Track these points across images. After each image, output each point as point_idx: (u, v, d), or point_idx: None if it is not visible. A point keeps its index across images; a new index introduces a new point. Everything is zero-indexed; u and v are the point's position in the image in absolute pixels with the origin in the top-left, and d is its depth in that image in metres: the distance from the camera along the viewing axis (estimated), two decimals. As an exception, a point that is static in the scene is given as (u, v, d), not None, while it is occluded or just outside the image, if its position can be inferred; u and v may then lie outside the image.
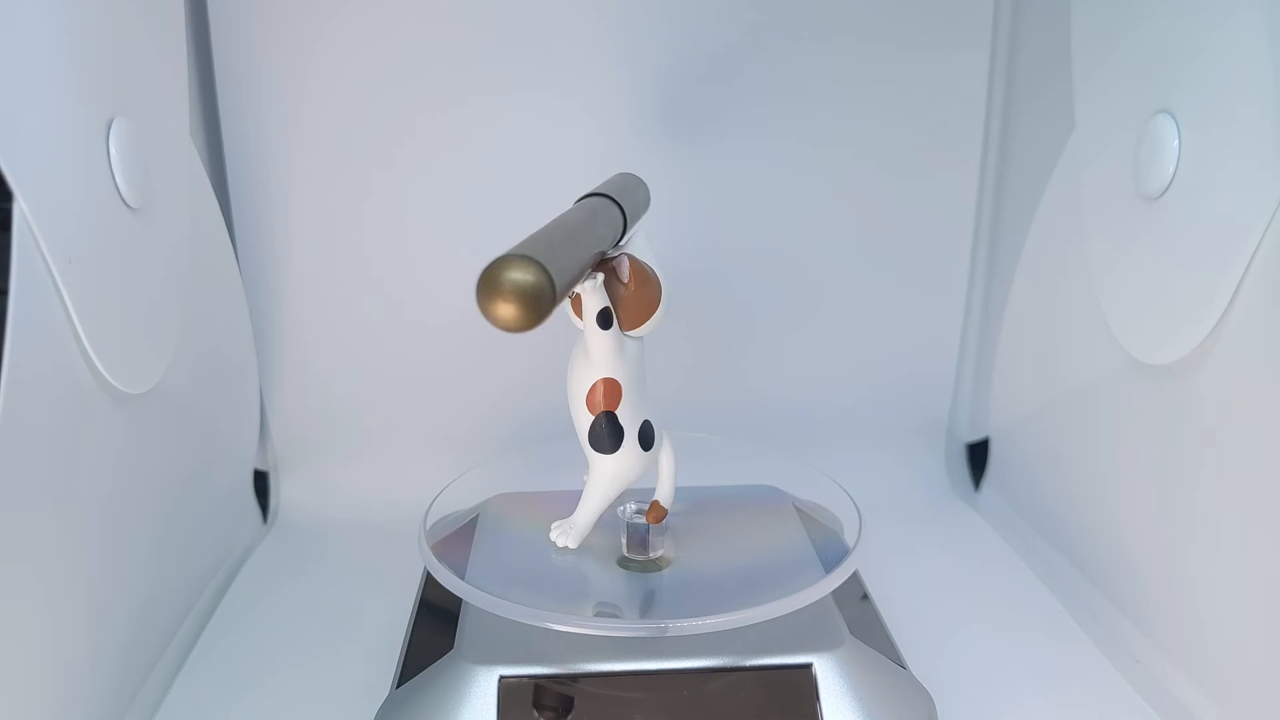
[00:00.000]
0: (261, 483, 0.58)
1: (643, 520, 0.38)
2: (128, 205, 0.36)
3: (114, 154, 0.35)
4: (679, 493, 0.39)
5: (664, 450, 0.38)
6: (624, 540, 0.39)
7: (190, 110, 0.45)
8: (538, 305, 0.25)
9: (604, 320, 0.34)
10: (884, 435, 0.61)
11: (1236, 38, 0.34)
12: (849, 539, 0.40)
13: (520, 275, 0.25)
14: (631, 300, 0.34)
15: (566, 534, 0.38)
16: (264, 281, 0.56)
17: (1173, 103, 0.38)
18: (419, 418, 0.59)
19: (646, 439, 0.37)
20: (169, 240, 0.41)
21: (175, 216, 0.42)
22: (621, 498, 0.39)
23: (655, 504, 0.38)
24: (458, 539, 0.41)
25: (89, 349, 0.33)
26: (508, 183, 0.55)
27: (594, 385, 0.35)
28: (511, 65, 0.54)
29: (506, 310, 0.25)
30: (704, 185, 0.56)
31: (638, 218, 0.38)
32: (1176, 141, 0.37)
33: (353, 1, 0.52)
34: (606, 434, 0.36)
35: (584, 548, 0.39)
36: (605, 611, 0.36)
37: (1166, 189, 0.38)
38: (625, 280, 0.34)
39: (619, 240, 0.35)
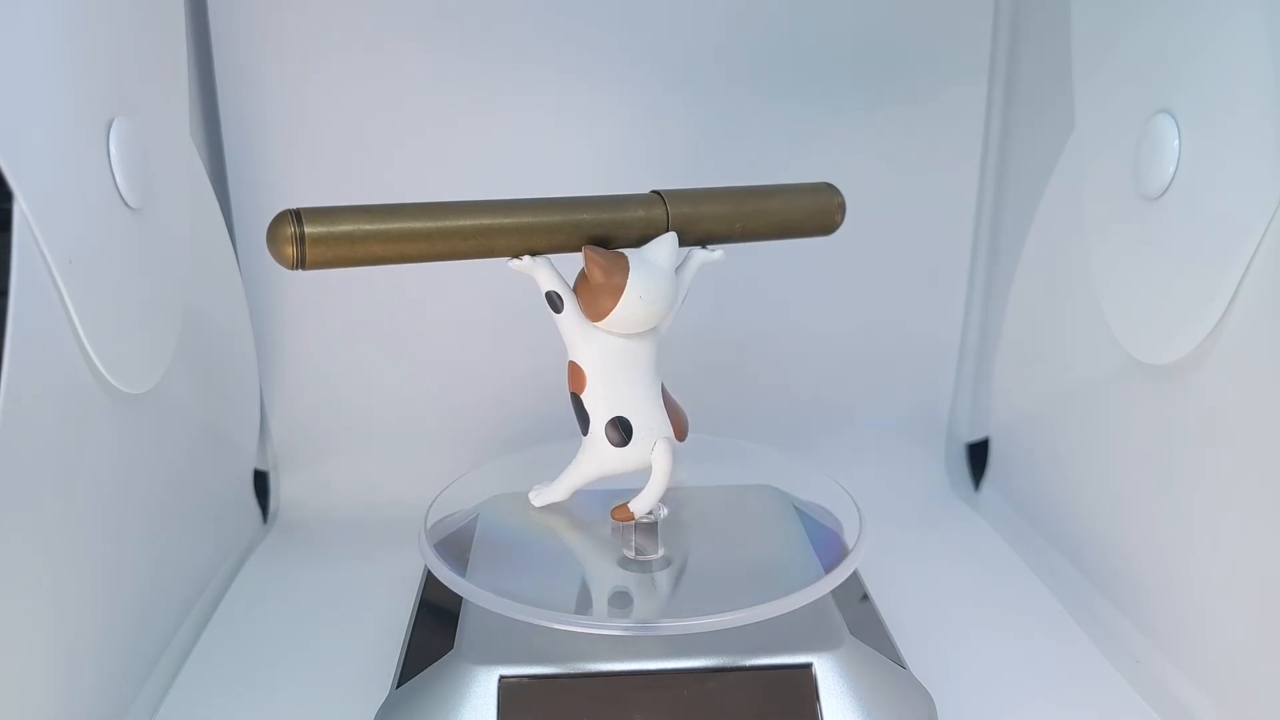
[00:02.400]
0: (261, 483, 0.58)
1: (645, 521, 0.38)
2: (128, 205, 0.36)
3: (114, 154, 0.35)
4: (680, 492, 0.39)
5: (658, 457, 0.37)
6: (624, 540, 0.39)
7: (190, 110, 0.45)
8: (283, 246, 0.32)
9: (552, 303, 0.36)
10: (884, 435, 0.61)
11: (1236, 38, 0.34)
12: (849, 539, 0.40)
13: (278, 225, 0.32)
14: (590, 292, 0.35)
15: (540, 494, 0.41)
16: (264, 281, 0.56)
17: (1173, 103, 0.38)
18: (419, 417, 0.59)
19: (618, 435, 0.37)
20: (169, 240, 0.41)
21: (175, 216, 0.42)
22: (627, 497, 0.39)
23: (623, 505, 0.38)
24: (458, 539, 0.41)
25: (89, 349, 0.33)
26: (507, 182, 0.55)
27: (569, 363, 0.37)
28: (513, 66, 0.54)
29: (271, 247, 0.32)
30: (700, 183, 0.56)
31: (733, 225, 0.38)
32: (1176, 141, 0.37)
33: (353, 2, 0.52)
34: (575, 413, 0.37)
35: (584, 547, 0.39)
36: (605, 611, 0.36)
37: (1166, 189, 0.38)
38: (587, 272, 0.35)
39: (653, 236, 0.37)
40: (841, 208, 0.40)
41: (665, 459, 0.37)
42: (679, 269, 0.37)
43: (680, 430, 0.38)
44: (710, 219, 0.37)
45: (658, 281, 0.35)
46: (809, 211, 0.40)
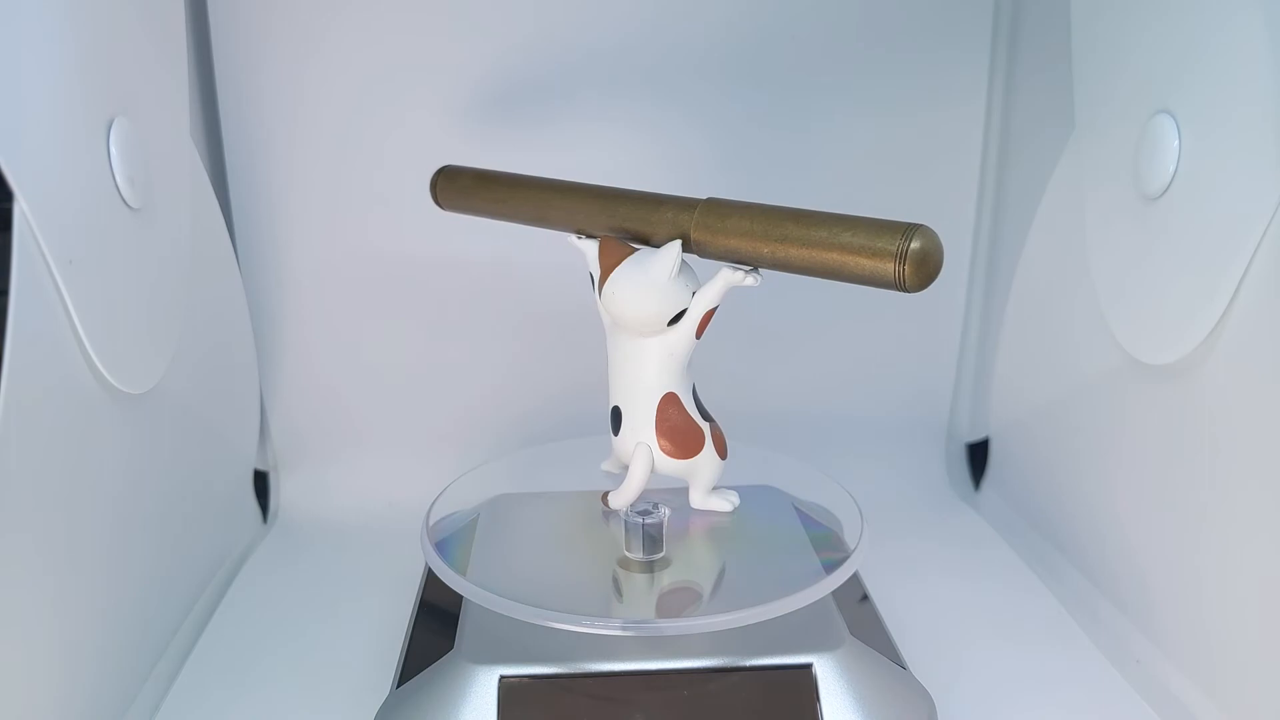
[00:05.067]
0: (261, 483, 0.58)
1: (645, 521, 0.39)
2: (128, 205, 0.36)
3: (114, 154, 0.35)
4: (681, 493, 0.40)
5: (634, 459, 0.38)
6: (624, 540, 0.39)
7: (190, 110, 0.45)
8: (431, 191, 0.43)
9: (592, 283, 0.38)
10: (884, 435, 0.61)
11: (1236, 38, 0.34)
12: (849, 539, 0.40)
13: (433, 175, 0.44)
14: (601, 279, 0.37)
15: (607, 462, 0.42)
16: (264, 281, 0.56)
17: (1173, 103, 0.38)
18: (419, 417, 0.59)
19: (611, 424, 0.38)
20: (169, 240, 0.41)
21: (175, 216, 0.42)
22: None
23: (607, 493, 0.40)
24: (459, 539, 0.41)
25: (89, 349, 0.33)
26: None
27: None
28: (512, 66, 0.54)
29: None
30: (702, 186, 0.57)
31: (760, 249, 0.34)
32: (1176, 141, 0.37)
33: (354, 2, 0.52)
34: None
35: (584, 547, 0.39)
36: (606, 611, 0.36)
37: (1166, 189, 0.38)
38: None
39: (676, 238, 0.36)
40: (904, 258, 0.31)
41: (639, 464, 0.38)
42: (705, 285, 0.36)
43: (672, 448, 0.38)
44: (736, 236, 0.34)
45: (633, 285, 0.35)
46: (855, 252, 0.32)
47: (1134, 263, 0.41)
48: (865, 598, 0.42)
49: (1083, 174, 0.45)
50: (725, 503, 0.40)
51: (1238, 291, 0.34)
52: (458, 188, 0.43)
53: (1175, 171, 0.37)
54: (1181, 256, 0.37)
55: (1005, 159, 0.58)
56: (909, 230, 0.31)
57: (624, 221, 0.37)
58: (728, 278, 0.36)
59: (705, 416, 0.38)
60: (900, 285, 0.32)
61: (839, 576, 0.35)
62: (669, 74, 0.55)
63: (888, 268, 0.31)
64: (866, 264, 0.32)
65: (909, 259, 0.31)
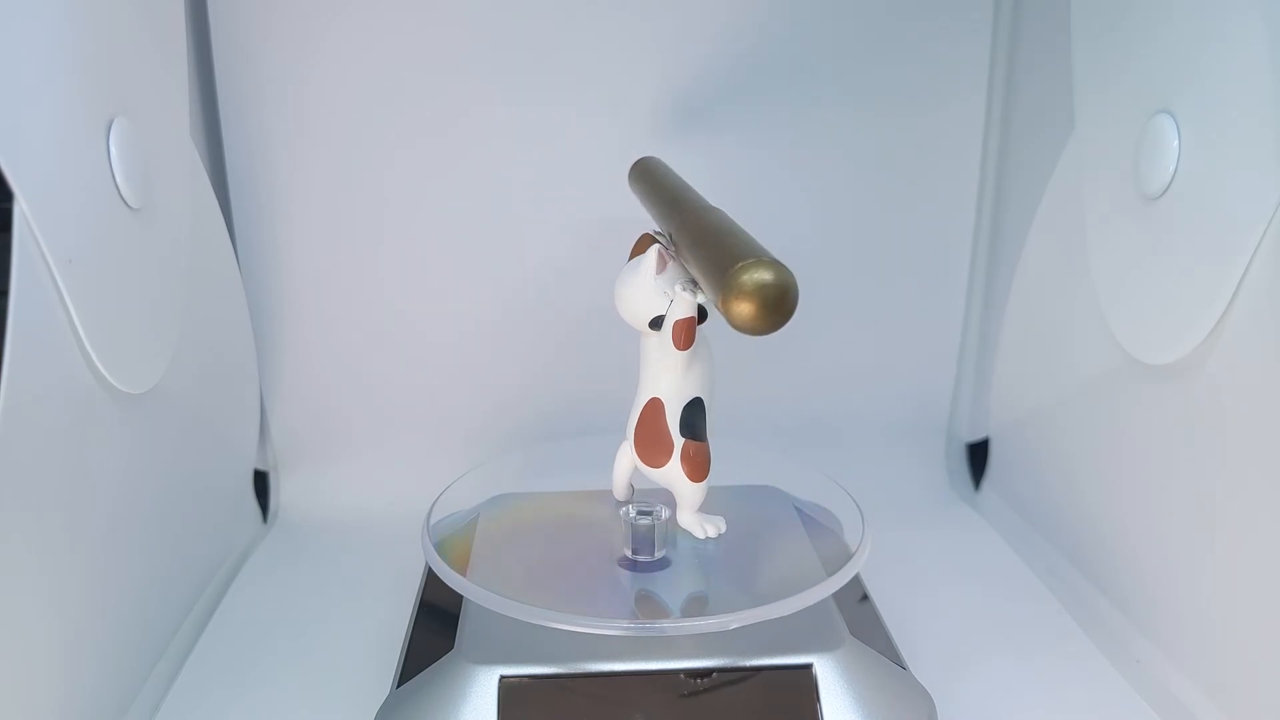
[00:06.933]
0: (261, 483, 0.58)
1: (644, 522, 0.39)
2: (128, 205, 0.36)
3: (114, 154, 0.35)
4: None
5: (618, 453, 0.40)
6: (624, 540, 0.39)
7: (190, 110, 0.45)
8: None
9: None
10: (884, 435, 0.61)
11: (1236, 38, 0.34)
12: (849, 539, 0.40)
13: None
14: None
15: None
16: (264, 281, 0.56)
17: (1173, 103, 0.38)
18: (419, 418, 0.59)
19: None
20: (169, 240, 0.41)
21: (175, 216, 0.42)
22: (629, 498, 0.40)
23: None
24: (459, 539, 0.41)
25: (89, 349, 0.33)
26: (508, 182, 0.55)
27: None
28: (513, 66, 0.54)
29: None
30: (702, 188, 0.57)
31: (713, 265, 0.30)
32: (1176, 141, 0.37)
33: (354, 2, 0.52)
34: None
35: (584, 547, 0.39)
36: (606, 611, 0.36)
37: (1166, 189, 0.38)
38: None
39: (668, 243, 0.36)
40: (726, 289, 0.27)
41: (617, 459, 0.40)
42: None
43: (640, 451, 0.38)
44: (684, 246, 0.34)
45: (623, 282, 0.36)
46: (706, 275, 0.29)
47: (1134, 263, 0.41)
48: (865, 598, 0.42)
49: (1083, 174, 0.45)
50: (699, 528, 0.38)
51: (1238, 291, 0.34)
52: (634, 176, 0.45)
53: (1175, 171, 0.37)
54: (1181, 256, 0.37)
55: (1005, 159, 0.58)
56: (748, 263, 0.27)
57: (663, 221, 0.38)
58: (679, 292, 0.35)
59: (692, 434, 0.37)
60: (729, 320, 0.27)
61: (841, 578, 0.35)
62: (667, 77, 0.55)
63: (716, 298, 0.28)
64: (709, 291, 0.29)
65: (729, 291, 0.27)
